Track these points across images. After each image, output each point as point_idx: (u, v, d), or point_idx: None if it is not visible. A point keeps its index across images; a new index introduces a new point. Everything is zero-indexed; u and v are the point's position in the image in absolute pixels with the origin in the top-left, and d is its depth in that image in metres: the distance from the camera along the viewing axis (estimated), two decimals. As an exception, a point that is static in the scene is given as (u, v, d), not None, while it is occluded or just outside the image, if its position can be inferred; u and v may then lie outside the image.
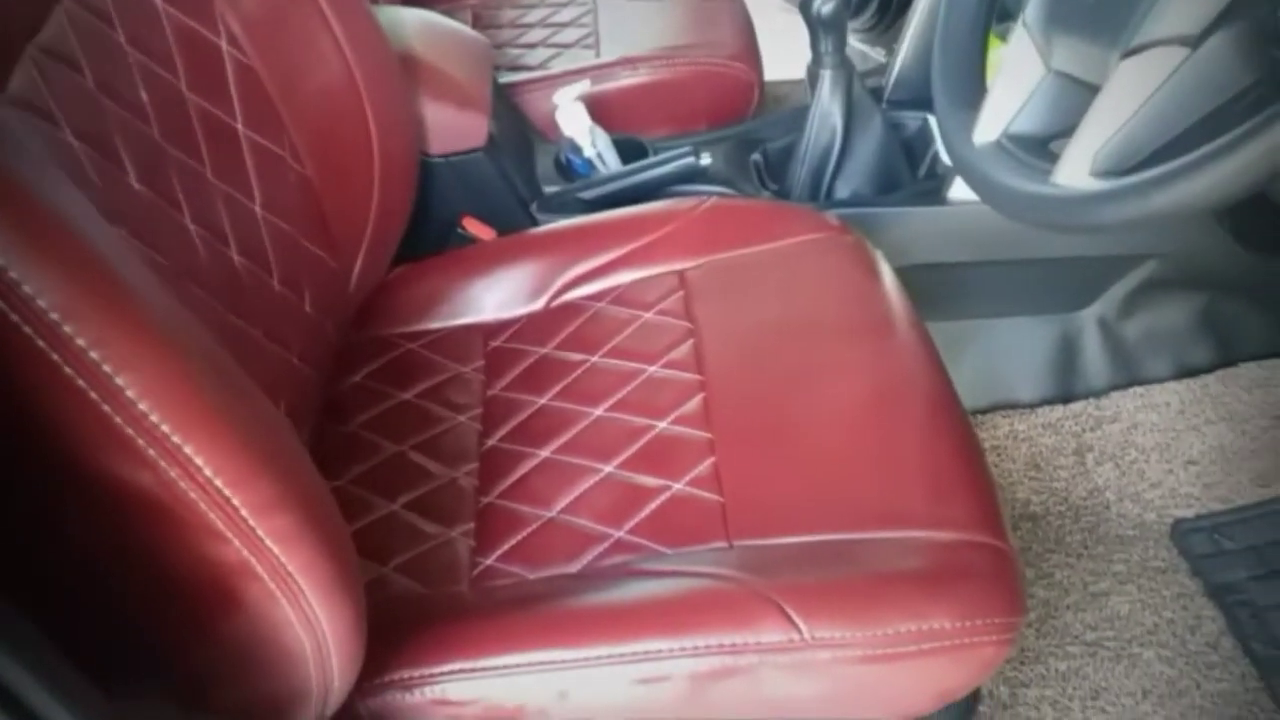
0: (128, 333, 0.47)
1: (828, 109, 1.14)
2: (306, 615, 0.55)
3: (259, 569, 0.53)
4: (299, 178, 0.87)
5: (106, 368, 0.46)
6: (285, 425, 0.57)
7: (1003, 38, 0.84)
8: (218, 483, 0.50)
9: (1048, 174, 0.67)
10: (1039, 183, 0.67)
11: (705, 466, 0.80)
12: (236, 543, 0.52)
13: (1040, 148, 0.72)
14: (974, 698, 0.76)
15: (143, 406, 0.47)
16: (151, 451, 0.48)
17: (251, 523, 0.51)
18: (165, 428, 0.48)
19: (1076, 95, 0.69)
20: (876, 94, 1.25)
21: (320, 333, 0.88)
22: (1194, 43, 0.60)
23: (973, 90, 0.77)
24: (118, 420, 0.47)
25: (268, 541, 0.52)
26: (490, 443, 0.86)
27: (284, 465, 0.54)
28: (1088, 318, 1.25)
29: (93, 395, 0.46)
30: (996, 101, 0.74)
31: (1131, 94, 0.62)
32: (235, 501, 0.50)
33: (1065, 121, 0.69)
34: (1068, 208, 0.64)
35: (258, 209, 0.81)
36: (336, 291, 0.92)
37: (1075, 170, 0.65)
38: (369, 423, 0.89)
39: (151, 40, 0.74)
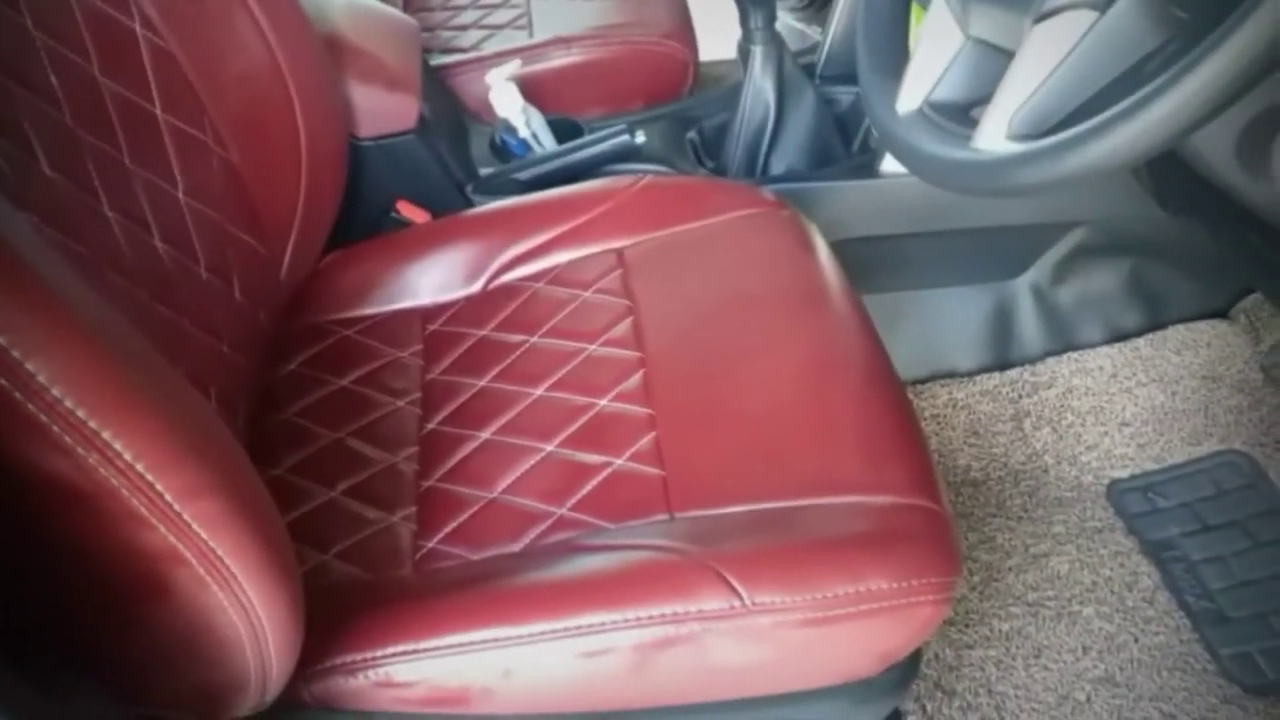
0: (35, 317, 0.46)
1: (760, 85, 1.14)
2: (240, 600, 0.55)
3: (187, 554, 0.52)
4: (223, 163, 0.85)
5: (15, 353, 0.45)
6: (208, 409, 0.56)
7: (926, 7, 0.85)
8: (139, 468, 0.49)
9: (967, 140, 0.67)
10: (959, 148, 0.68)
11: (646, 441, 0.81)
12: (162, 529, 0.51)
13: (961, 114, 0.72)
14: (915, 659, 0.77)
15: (56, 392, 0.46)
16: (68, 438, 0.47)
17: (177, 508, 0.51)
18: (80, 413, 0.47)
19: (994, 61, 0.69)
20: (810, 70, 1.26)
21: (251, 321, 0.86)
22: (1102, 6, 0.61)
23: (896, 60, 0.78)
24: (30, 408, 0.46)
25: (195, 526, 0.51)
26: (430, 426, 0.86)
27: (208, 448, 0.53)
28: (1021, 286, 1.28)
29: (1, 382, 0.45)
30: (918, 70, 0.74)
31: (1044, 58, 0.63)
32: (159, 486, 0.50)
33: (984, 88, 0.70)
34: (986, 172, 0.65)
35: (180, 195, 0.79)
36: (267, 278, 0.91)
37: (993, 135, 0.66)
38: (306, 410, 0.88)
39: (60, 24, 0.72)
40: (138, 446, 0.49)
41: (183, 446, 0.51)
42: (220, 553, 0.53)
